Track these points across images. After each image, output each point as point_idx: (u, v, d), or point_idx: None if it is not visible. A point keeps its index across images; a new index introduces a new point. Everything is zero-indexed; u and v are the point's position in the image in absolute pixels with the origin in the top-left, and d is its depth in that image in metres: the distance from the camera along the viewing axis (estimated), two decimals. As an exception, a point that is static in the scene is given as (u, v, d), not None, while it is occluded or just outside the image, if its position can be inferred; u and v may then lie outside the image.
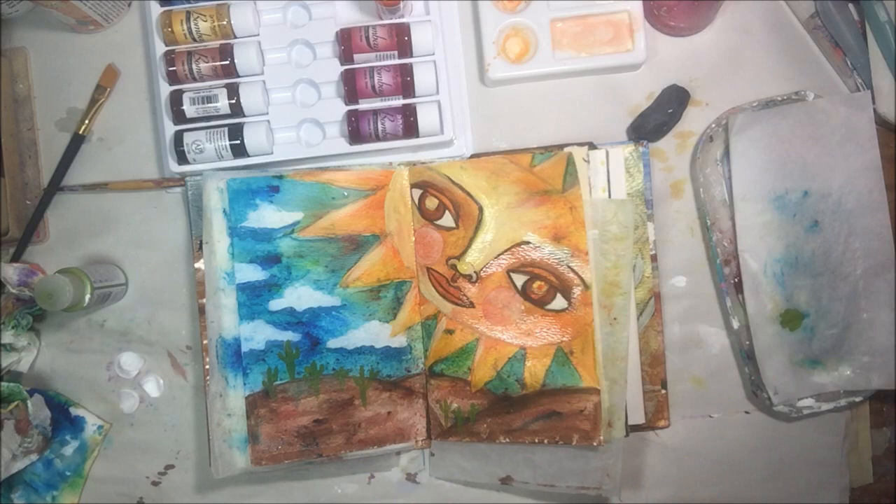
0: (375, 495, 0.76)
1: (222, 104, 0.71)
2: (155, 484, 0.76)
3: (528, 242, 0.71)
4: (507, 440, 0.70)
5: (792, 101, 0.72)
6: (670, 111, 0.73)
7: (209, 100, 0.71)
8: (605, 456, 0.69)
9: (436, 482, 0.75)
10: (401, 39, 0.71)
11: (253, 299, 0.70)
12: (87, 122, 0.75)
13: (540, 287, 0.71)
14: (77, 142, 0.75)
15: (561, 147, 0.72)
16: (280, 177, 0.71)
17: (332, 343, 0.71)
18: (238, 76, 0.72)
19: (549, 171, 0.71)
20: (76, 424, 0.75)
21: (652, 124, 0.73)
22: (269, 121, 0.72)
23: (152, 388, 0.76)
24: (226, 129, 0.71)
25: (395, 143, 0.72)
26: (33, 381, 0.75)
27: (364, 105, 0.72)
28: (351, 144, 0.72)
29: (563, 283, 0.70)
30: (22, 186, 0.76)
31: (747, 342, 0.72)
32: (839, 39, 0.73)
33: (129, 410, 0.76)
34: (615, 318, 0.71)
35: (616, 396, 0.70)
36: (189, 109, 0.71)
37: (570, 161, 0.71)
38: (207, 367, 0.71)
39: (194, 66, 0.71)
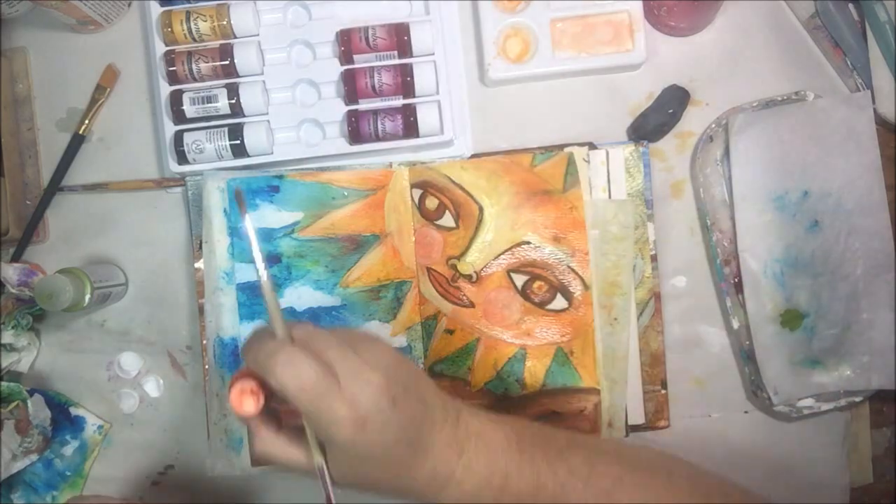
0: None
1: (222, 104, 0.71)
2: (155, 484, 0.76)
3: (528, 242, 0.71)
4: (507, 440, 0.70)
5: (792, 101, 0.72)
6: (670, 111, 0.73)
7: (209, 100, 0.71)
8: (606, 456, 0.69)
9: (436, 482, 0.75)
10: (401, 39, 0.71)
11: (253, 299, 0.70)
12: (87, 122, 0.75)
13: (540, 287, 0.71)
14: (77, 142, 0.75)
15: (561, 147, 0.72)
16: (280, 177, 0.71)
17: (332, 343, 0.71)
18: (238, 76, 0.72)
19: (550, 171, 0.71)
20: (76, 424, 0.75)
21: (652, 124, 0.73)
22: (269, 121, 0.72)
23: (152, 388, 0.76)
24: (226, 129, 0.71)
25: (395, 143, 0.72)
26: (33, 381, 0.75)
27: (364, 105, 0.72)
28: (351, 144, 0.72)
29: (563, 284, 0.70)
30: (22, 186, 0.76)
31: (747, 342, 0.72)
32: (839, 39, 0.73)
33: (129, 410, 0.76)
34: (615, 318, 0.71)
35: (616, 396, 0.70)
36: (189, 109, 0.71)
37: (570, 161, 0.71)
38: (207, 367, 0.72)
39: (194, 66, 0.71)
